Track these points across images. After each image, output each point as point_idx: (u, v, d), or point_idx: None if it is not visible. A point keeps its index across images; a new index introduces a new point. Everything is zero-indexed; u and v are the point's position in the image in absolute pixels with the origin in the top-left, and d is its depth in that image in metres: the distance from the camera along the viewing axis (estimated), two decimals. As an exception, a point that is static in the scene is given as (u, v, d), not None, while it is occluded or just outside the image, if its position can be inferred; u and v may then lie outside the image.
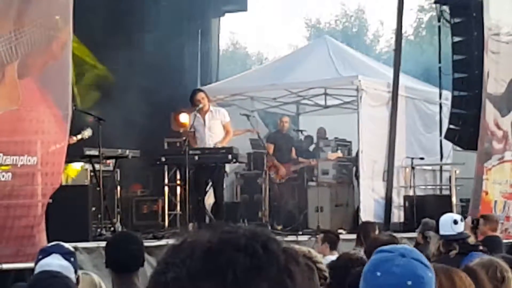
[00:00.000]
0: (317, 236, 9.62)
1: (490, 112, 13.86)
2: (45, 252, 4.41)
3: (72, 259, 4.38)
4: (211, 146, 11.54)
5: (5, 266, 7.71)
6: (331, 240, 8.76)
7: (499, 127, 14.01)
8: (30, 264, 4.57)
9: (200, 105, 11.47)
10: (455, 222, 6.77)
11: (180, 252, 1.34)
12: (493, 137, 13.95)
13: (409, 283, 2.23)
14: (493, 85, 13.92)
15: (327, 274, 3.57)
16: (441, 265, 3.15)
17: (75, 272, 4.35)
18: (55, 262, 4.26)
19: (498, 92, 14.01)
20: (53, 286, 3.97)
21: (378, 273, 2.23)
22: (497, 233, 9.62)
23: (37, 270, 4.30)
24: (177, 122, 13.69)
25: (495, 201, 13.78)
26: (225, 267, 1.30)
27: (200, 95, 11.64)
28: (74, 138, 10.44)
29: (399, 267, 2.24)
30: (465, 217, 7.35)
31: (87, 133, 10.78)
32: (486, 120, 13.71)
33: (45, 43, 8.18)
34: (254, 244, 1.33)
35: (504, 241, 10.67)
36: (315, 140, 15.70)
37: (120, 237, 5.00)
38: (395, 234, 7.67)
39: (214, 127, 11.64)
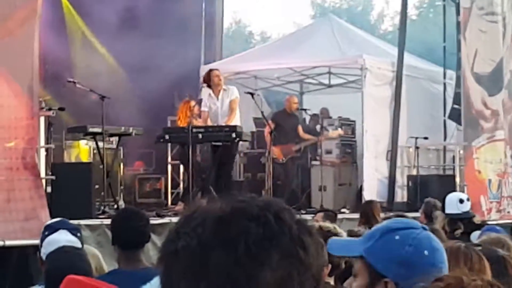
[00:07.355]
0: (315, 216, 9.58)
1: (476, 91, 13.84)
2: (52, 228, 4.40)
3: (78, 234, 4.39)
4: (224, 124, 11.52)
5: (8, 242, 7.70)
6: (331, 217, 8.75)
7: (487, 107, 13.97)
8: (34, 241, 4.54)
9: (221, 83, 11.59)
10: (461, 201, 6.76)
11: (191, 221, 1.32)
12: (480, 116, 13.93)
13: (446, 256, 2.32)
14: (481, 64, 13.90)
15: None
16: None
17: (82, 246, 4.36)
18: (63, 238, 4.26)
19: (485, 72, 13.98)
20: (74, 258, 3.96)
21: (426, 252, 2.25)
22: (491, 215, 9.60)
23: (44, 246, 4.28)
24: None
25: (489, 180, 13.80)
26: (237, 237, 1.28)
27: (216, 73, 11.75)
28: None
29: (437, 243, 2.31)
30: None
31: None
32: (471, 99, 13.72)
33: None
34: (267, 214, 1.31)
35: (502, 221, 10.66)
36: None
37: (125, 214, 4.95)
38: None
39: (228, 105, 11.70)
